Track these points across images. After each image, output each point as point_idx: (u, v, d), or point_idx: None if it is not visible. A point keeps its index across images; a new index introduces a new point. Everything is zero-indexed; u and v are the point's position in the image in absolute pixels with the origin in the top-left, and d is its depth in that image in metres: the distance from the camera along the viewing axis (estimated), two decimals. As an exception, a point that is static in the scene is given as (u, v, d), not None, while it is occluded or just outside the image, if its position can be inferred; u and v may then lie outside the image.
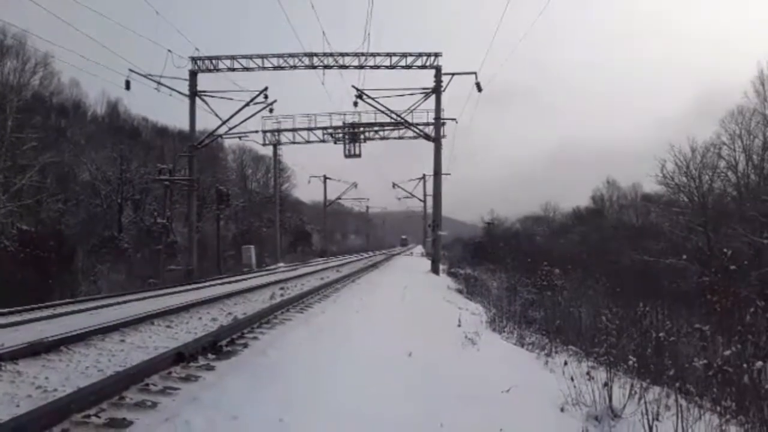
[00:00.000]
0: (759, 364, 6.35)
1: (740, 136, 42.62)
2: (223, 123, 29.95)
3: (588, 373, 7.35)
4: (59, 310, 12.37)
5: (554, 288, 23.14)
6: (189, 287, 19.33)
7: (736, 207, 41.46)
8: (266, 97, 29.30)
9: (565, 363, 8.12)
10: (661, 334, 10.09)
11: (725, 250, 11.70)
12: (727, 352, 6.94)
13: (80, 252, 25.16)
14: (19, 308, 12.31)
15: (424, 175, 56.32)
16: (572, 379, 7.08)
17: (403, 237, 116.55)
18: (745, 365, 6.43)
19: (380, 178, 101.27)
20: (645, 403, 5.96)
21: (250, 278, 24.00)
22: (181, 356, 6.52)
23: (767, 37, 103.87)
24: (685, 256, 32.78)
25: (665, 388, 7.65)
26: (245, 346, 7.67)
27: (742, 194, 42.22)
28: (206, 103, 29.44)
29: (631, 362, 8.10)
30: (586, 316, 16.24)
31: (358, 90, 29.18)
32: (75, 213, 35.29)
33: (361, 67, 29.48)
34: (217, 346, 7.35)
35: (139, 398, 5.07)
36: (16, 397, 5.18)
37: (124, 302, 13.91)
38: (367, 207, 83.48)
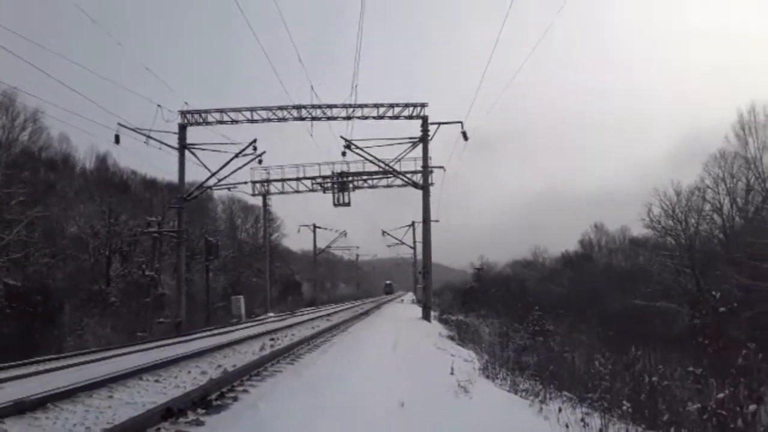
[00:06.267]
0: (753, 407, 6.33)
1: (723, 179, 43.40)
2: (213, 175, 30.05)
3: (583, 420, 7.30)
4: (45, 366, 12.17)
5: (546, 333, 22.99)
6: (178, 340, 19.10)
7: (723, 249, 41.82)
8: (255, 148, 29.41)
9: (560, 410, 8.06)
10: (654, 378, 10.04)
11: (714, 292, 11.75)
12: (721, 395, 6.91)
13: (67, 306, 24.84)
14: (4, 365, 12.11)
15: (413, 222, 56.49)
16: (567, 426, 7.03)
17: (387, 282, 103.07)
18: (738, 408, 6.41)
19: (370, 226, 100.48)
20: (640, 449, 5.92)
21: (239, 329, 23.73)
22: (170, 411, 6.43)
23: (746, 81, 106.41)
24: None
25: (660, 433, 7.59)
26: (235, 399, 7.58)
27: (728, 236, 42.66)
28: (195, 155, 29.59)
29: (625, 407, 8.06)
30: (579, 361, 16.13)
31: (346, 140, 29.50)
32: (62, 267, 34.92)
33: (348, 118, 29.83)
34: (206, 400, 7.27)
35: (128, 456, 4.99)
36: (1, 457, 5.08)
37: (112, 357, 13.72)
38: (357, 255, 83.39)
